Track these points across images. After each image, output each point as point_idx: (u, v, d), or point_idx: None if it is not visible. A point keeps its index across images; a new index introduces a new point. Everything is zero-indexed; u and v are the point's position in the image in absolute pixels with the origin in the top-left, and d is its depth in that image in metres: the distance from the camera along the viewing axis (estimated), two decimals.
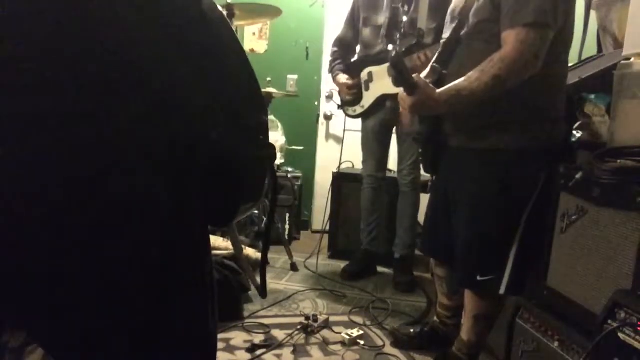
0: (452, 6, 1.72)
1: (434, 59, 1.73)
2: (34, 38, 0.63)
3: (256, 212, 3.11)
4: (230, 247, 2.52)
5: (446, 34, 1.70)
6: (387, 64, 2.62)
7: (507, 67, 1.42)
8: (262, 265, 0.94)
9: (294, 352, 1.89)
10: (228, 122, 0.78)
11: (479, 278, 1.58)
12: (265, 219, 3.16)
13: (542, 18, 1.41)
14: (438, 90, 1.51)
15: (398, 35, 1.97)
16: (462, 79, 1.48)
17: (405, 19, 2.43)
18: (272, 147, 0.86)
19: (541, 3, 1.41)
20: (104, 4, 0.67)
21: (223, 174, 0.77)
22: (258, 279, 1.00)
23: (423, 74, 1.75)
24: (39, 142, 0.63)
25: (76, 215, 0.66)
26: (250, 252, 2.71)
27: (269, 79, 3.05)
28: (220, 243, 2.54)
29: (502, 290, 1.55)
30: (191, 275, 0.79)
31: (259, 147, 0.83)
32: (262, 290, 0.97)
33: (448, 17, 1.73)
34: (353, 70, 2.81)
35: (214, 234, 2.62)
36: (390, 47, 1.49)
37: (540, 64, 1.44)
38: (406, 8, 2.46)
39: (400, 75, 1.51)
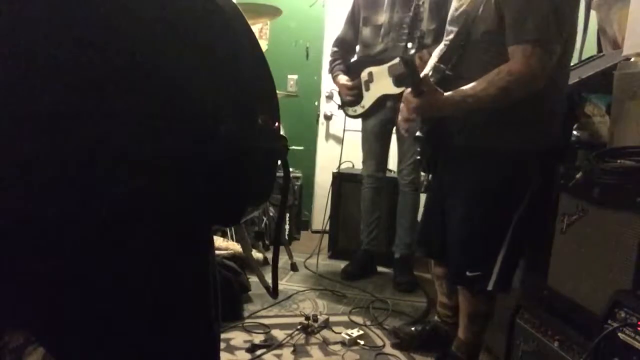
0: (453, 7, 1.72)
1: (438, 58, 1.73)
2: (36, 38, 0.63)
3: (256, 212, 3.11)
4: (231, 247, 2.53)
5: (450, 36, 1.70)
6: (387, 64, 2.62)
7: (515, 81, 1.44)
8: (274, 265, 0.93)
9: (294, 352, 1.89)
10: (238, 117, 0.76)
11: (468, 274, 1.60)
12: (265, 219, 3.16)
13: (546, 34, 1.42)
14: (444, 95, 1.52)
15: (419, 34, 1.95)
16: (469, 86, 1.50)
17: (425, 16, 2.40)
18: (284, 139, 0.84)
19: (543, 17, 1.41)
20: (112, 2, 0.67)
21: (231, 170, 0.76)
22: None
23: (425, 70, 1.76)
24: (42, 143, 0.63)
25: (77, 216, 0.66)
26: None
27: None
28: (220, 243, 2.54)
29: (489, 287, 1.57)
30: (193, 276, 0.79)
31: (270, 140, 0.81)
32: (273, 291, 0.96)
33: (450, 18, 1.73)
34: (353, 71, 2.81)
35: (215, 233, 2.62)
36: (409, 44, 1.48)
37: (546, 77, 1.45)
38: (426, 5, 2.42)
39: (411, 77, 1.52)
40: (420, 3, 2.42)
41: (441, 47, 1.75)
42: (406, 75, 1.54)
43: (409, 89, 1.57)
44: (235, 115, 0.76)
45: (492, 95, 1.46)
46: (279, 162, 0.85)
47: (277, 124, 0.85)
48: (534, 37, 1.41)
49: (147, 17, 0.69)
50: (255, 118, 0.79)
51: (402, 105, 1.67)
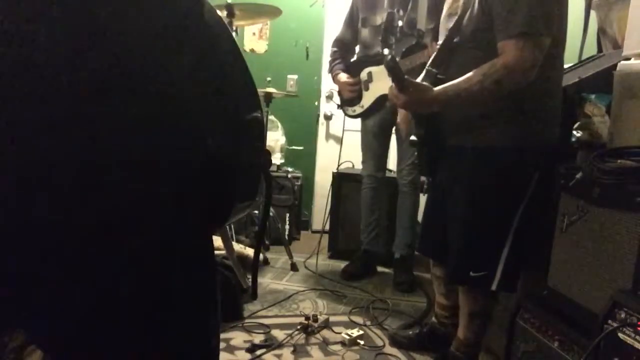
0: (445, 11, 1.73)
1: (429, 62, 1.74)
2: (31, 43, 0.63)
3: (256, 212, 3.11)
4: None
5: (441, 39, 1.72)
6: None
7: (509, 74, 1.45)
8: (254, 268, 0.94)
9: (294, 352, 1.89)
10: (224, 126, 0.78)
11: (471, 274, 1.60)
12: None
13: (535, 27, 1.43)
14: (435, 90, 1.53)
15: (394, 40, 2.00)
16: (462, 80, 1.50)
17: (400, 23, 2.45)
18: (268, 153, 0.86)
19: (531, 12, 1.42)
20: (103, 8, 0.67)
21: (218, 177, 0.77)
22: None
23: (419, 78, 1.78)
24: (38, 147, 0.63)
25: (75, 218, 0.66)
26: (250, 253, 2.71)
27: (269, 79, 3.05)
28: (220, 243, 2.54)
29: (493, 287, 1.58)
30: (193, 275, 0.79)
31: (255, 154, 0.83)
32: (253, 292, 0.98)
33: (442, 22, 1.75)
34: (352, 71, 2.81)
35: (214, 234, 2.62)
36: (386, 51, 1.51)
37: (536, 71, 1.46)
38: (401, 12, 2.48)
39: (394, 75, 1.54)
40: (395, 10, 2.46)
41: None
42: (392, 78, 1.56)
43: (393, 85, 1.58)
44: (220, 124, 0.77)
45: (486, 88, 1.47)
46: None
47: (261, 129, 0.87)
48: (524, 30, 1.43)
49: (141, 25, 0.69)
50: (240, 128, 0.80)
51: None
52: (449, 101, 1.53)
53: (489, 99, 1.50)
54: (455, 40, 1.62)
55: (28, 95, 0.63)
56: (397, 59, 2.46)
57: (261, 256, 2.85)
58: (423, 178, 2.78)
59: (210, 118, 0.76)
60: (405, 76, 1.55)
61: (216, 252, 2.42)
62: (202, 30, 0.77)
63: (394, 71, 1.53)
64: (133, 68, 0.69)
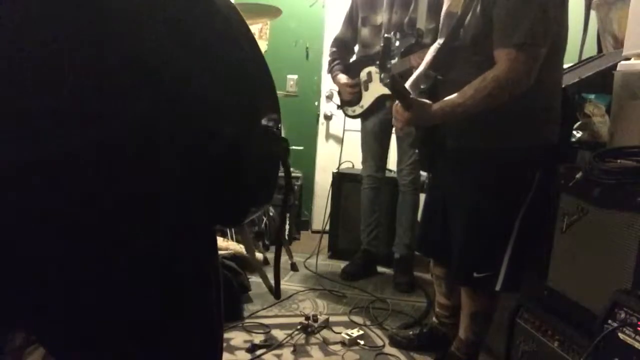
0: (445, 8, 1.73)
1: (428, 64, 1.74)
2: (39, 38, 0.63)
3: None
4: (231, 247, 2.52)
5: (440, 40, 1.71)
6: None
7: (500, 86, 1.45)
8: (276, 265, 0.93)
9: (294, 352, 1.89)
10: (239, 118, 0.77)
11: (475, 275, 1.60)
12: (265, 219, 3.16)
13: (532, 38, 1.42)
14: (433, 106, 1.54)
15: (391, 63, 2.02)
16: (456, 95, 1.51)
17: (397, 44, 2.47)
18: (285, 140, 0.84)
19: (532, 23, 1.41)
20: (112, 1, 0.67)
21: (234, 172, 0.76)
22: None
23: (414, 75, 1.78)
24: (44, 143, 0.63)
25: (79, 216, 0.66)
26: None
27: None
28: (220, 243, 2.54)
29: (498, 287, 1.58)
30: (196, 275, 0.79)
31: (271, 142, 0.81)
32: (276, 291, 0.97)
33: (442, 23, 1.75)
34: (352, 70, 2.81)
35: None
36: (382, 75, 1.53)
37: (532, 80, 1.46)
38: (398, 35, 2.51)
39: (400, 96, 1.55)
40: (392, 34, 2.48)
41: (432, 50, 1.76)
42: (396, 97, 1.57)
43: (398, 103, 1.60)
44: (238, 117, 0.76)
45: (479, 102, 1.48)
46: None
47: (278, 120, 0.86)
48: (520, 41, 1.42)
49: (150, 17, 0.69)
50: (257, 119, 0.79)
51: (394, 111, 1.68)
52: (447, 117, 1.55)
53: (486, 110, 1.50)
54: (456, 42, 1.61)
55: (37, 87, 0.63)
56: (396, 59, 2.46)
57: (261, 256, 2.85)
58: (424, 178, 2.78)
59: (225, 106, 0.75)
60: (411, 95, 1.56)
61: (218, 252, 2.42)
62: (215, 20, 0.76)
63: (399, 92, 1.53)
64: (140, 62, 0.68)
